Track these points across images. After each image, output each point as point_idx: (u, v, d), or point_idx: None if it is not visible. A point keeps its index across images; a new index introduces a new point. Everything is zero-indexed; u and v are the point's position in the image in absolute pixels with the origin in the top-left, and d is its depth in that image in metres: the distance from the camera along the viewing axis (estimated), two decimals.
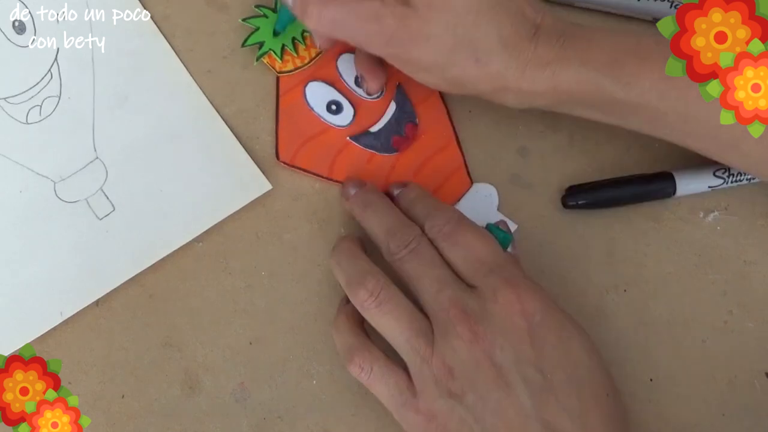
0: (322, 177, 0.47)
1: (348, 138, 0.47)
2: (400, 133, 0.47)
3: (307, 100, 0.47)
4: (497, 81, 0.41)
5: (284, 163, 0.47)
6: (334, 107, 0.47)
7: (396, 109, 0.48)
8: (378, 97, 0.48)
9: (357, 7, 0.40)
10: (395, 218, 0.43)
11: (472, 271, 0.40)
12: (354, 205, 0.45)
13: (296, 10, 0.42)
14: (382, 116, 0.48)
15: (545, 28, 0.41)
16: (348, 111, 0.47)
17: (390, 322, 0.40)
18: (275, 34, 0.47)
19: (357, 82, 0.48)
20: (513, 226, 0.46)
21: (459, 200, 0.47)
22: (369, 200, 0.44)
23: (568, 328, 0.39)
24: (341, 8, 0.40)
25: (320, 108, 0.47)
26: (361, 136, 0.47)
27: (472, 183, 0.47)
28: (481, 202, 0.47)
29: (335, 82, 0.48)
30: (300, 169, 0.47)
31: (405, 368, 0.40)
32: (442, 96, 0.48)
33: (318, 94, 0.47)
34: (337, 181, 0.47)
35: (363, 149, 0.47)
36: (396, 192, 0.46)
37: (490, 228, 0.43)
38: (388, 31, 0.40)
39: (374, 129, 0.47)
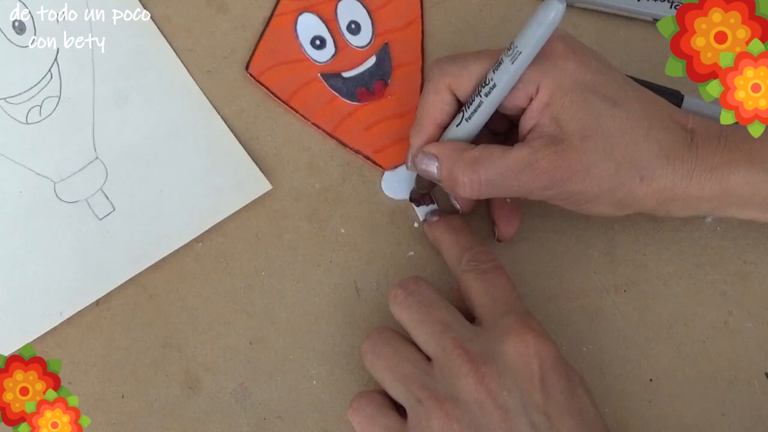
0: (280, 100, 0.47)
1: (319, 74, 0.48)
2: (369, 87, 0.48)
3: (296, 28, 0.48)
4: (665, 194, 0.40)
5: (250, 75, 0.48)
6: (318, 42, 0.48)
7: (374, 63, 0.48)
8: (365, 45, 0.48)
9: (509, 162, 0.39)
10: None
11: (491, 306, 0.40)
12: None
13: (445, 183, 0.41)
14: (358, 65, 0.48)
15: (698, 131, 0.40)
16: (329, 50, 0.48)
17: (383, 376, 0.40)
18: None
19: (349, 28, 0.48)
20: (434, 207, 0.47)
21: (394, 168, 0.47)
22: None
23: (574, 376, 0.39)
24: (492, 167, 0.39)
25: (305, 39, 0.48)
26: (332, 77, 0.48)
27: None
28: (410, 179, 0.47)
29: (329, 21, 0.49)
30: (263, 86, 0.48)
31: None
32: (423, 68, 0.49)
33: (308, 26, 0.48)
34: (292, 109, 0.47)
35: (328, 89, 0.48)
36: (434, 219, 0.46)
37: None
38: (546, 174, 0.39)
39: (347, 75, 0.48)
